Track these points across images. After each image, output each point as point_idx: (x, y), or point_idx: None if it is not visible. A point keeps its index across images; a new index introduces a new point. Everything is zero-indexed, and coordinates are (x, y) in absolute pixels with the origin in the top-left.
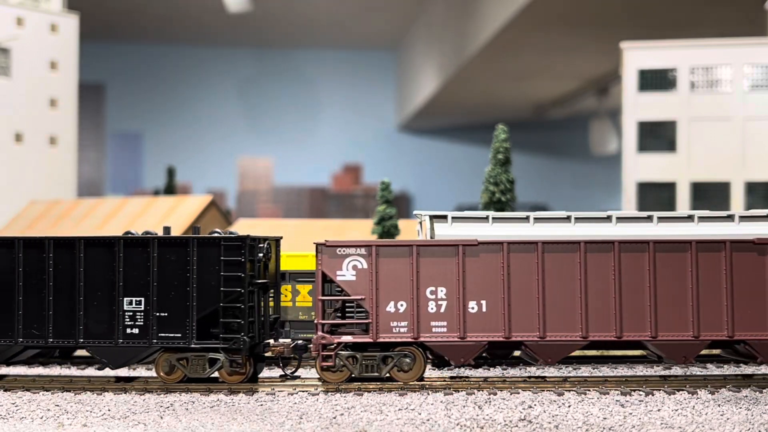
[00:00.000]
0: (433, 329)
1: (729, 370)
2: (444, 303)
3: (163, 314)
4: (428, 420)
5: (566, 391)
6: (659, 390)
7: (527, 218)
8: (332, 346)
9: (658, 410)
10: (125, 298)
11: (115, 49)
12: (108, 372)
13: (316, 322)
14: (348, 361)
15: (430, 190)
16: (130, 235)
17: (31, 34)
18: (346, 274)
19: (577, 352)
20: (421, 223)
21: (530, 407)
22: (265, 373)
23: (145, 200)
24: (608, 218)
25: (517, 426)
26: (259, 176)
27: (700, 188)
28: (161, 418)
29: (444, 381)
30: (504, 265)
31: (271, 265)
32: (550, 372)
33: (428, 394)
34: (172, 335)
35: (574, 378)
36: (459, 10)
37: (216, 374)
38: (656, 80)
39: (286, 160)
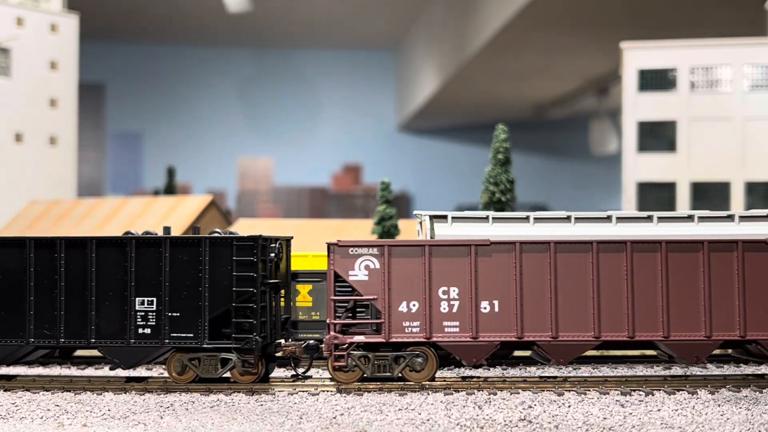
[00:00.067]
0: (446, 329)
1: (729, 370)
2: (456, 303)
3: (175, 314)
4: (428, 420)
5: (566, 391)
6: (659, 390)
7: (527, 218)
8: (344, 346)
9: (658, 410)
10: (137, 298)
11: (115, 49)
12: (107, 372)
13: (328, 322)
14: (360, 361)
15: (430, 190)
16: (142, 235)
17: (31, 34)
18: (358, 274)
19: None
20: (421, 223)
21: (530, 407)
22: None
23: (145, 200)
24: (608, 218)
25: (517, 426)
26: (259, 176)
27: (700, 188)
28: (161, 418)
29: (444, 381)
30: (516, 265)
31: (282, 265)
32: (550, 372)
33: (428, 394)
34: (184, 335)
35: (574, 378)
36: (459, 10)
37: (228, 374)
38: (656, 80)
39: (286, 160)
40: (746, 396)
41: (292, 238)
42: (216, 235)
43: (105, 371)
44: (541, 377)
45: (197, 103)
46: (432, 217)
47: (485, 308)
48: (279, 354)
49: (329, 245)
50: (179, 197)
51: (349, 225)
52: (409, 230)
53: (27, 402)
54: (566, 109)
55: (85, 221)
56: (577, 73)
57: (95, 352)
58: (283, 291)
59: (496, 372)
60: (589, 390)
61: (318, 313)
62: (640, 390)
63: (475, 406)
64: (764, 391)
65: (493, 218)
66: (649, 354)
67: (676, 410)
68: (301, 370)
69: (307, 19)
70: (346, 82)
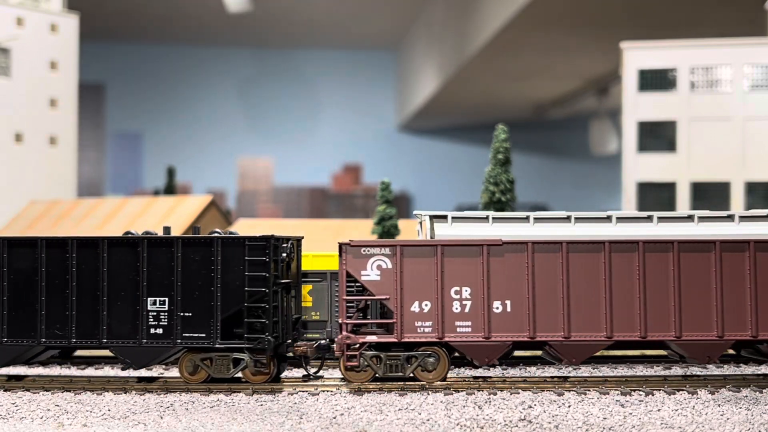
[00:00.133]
0: (458, 329)
1: (729, 370)
2: (468, 303)
3: (187, 314)
4: (428, 420)
5: (566, 391)
6: (659, 390)
7: (527, 218)
8: (356, 346)
9: (658, 410)
10: (149, 298)
11: (115, 49)
12: (108, 372)
13: (340, 322)
14: (372, 361)
15: (430, 190)
16: (154, 235)
17: (31, 34)
18: (370, 273)
19: None
20: (421, 223)
21: (530, 407)
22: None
23: (145, 200)
24: (608, 218)
25: (517, 426)
26: (259, 176)
27: (700, 188)
28: (161, 418)
29: (444, 381)
30: (528, 265)
31: (293, 265)
32: (550, 372)
33: (428, 394)
34: (196, 335)
35: (574, 378)
36: (459, 10)
37: (239, 374)
38: (656, 80)
39: (286, 160)
40: (746, 396)
41: (302, 237)
42: (229, 234)
43: (105, 371)
44: (541, 377)
45: (197, 103)
46: (432, 217)
47: (497, 308)
48: (290, 354)
49: (341, 245)
50: (179, 197)
51: (349, 225)
52: (409, 230)
53: (27, 402)
54: (566, 109)
55: (85, 221)
56: (577, 73)
57: (95, 352)
58: (293, 291)
59: (496, 372)
60: (589, 390)
61: (318, 313)
62: (640, 390)
63: (475, 406)
64: (764, 391)
65: (493, 218)
66: (649, 354)
67: (676, 410)
68: (312, 370)
69: (307, 19)
70: (346, 82)
